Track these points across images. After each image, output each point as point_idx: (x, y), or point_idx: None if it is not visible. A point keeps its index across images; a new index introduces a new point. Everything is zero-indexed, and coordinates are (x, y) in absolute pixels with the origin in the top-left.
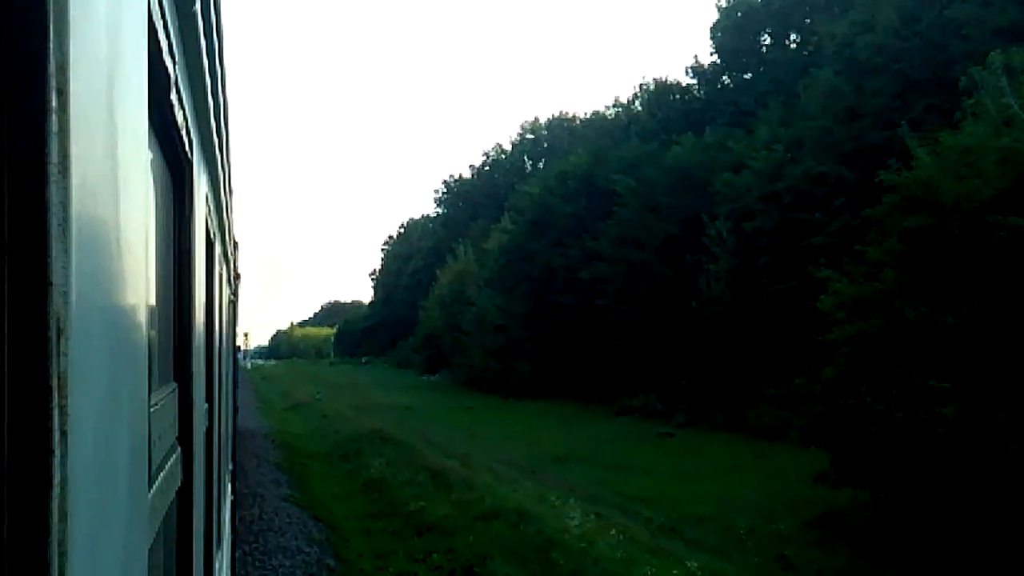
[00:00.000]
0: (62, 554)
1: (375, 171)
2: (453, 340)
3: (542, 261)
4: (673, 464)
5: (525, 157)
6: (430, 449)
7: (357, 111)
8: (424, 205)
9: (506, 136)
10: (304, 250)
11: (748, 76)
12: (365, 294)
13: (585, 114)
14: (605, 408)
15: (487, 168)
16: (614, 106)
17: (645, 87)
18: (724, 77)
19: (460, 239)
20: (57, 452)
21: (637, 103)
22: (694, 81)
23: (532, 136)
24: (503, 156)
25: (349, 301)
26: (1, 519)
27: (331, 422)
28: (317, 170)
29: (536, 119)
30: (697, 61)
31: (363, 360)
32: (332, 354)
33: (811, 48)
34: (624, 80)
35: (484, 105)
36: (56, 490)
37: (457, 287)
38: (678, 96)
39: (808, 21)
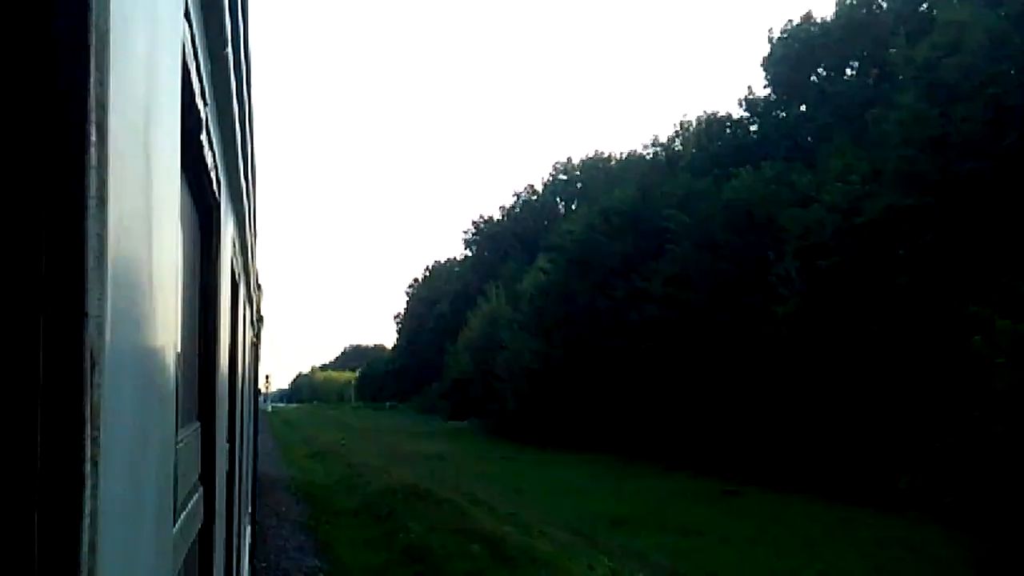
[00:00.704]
0: None
1: (397, 214)
2: (484, 385)
3: (584, 302)
4: (750, 530)
5: (557, 198)
6: (474, 509)
7: (381, 152)
8: (449, 248)
9: (537, 177)
10: (326, 293)
11: (805, 108)
12: (387, 338)
13: (621, 154)
14: (654, 462)
15: (517, 209)
16: (653, 145)
17: (687, 125)
18: (779, 111)
19: (490, 281)
20: (89, 483)
21: (678, 142)
22: (746, 114)
23: (565, 177)
24: (534, 197)
25: (371, 345)
26: (32, 549)
27: (358, 472)
28: (340, 212)
29: (569, 159)
30: (751, 92)
31: (387, 405)
32: (353, 398)
33: (876, 76)
34: (661, 119)
35: (513, 145)
36: (87, 521)
37: (488, 330)
38: (729, 130)
39: (866, 53)
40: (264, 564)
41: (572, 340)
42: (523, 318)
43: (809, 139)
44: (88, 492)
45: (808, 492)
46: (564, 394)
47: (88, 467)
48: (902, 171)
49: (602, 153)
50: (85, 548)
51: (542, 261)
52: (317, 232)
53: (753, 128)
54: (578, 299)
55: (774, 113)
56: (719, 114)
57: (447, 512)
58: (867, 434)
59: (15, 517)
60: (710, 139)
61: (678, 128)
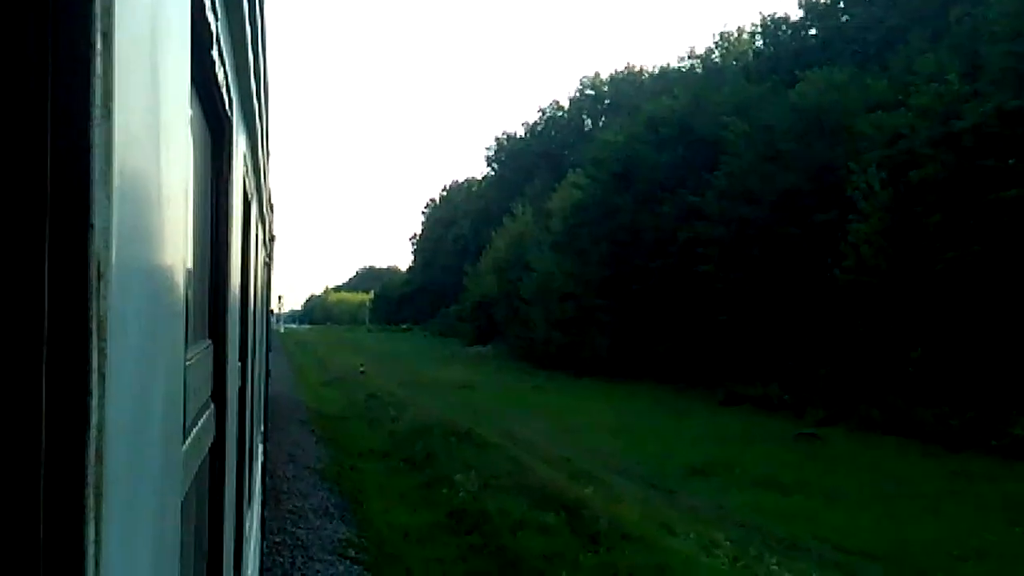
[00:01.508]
0: (97, 496)
1: (414, 132)
2: (509, 309)
3: (626, 220)
4: (851, 484)
5: (584, 115)
6: (525, 456)
7: (398, 68)
8: (468, 168)
9: (562, 93)
10: (340, 214)
11: (875, 9)
12: (402, 260)
13: (655, 67)
14: (706, 395)
15: (541, 126)
16: (690, 57)
17: (727, 35)
18: (841, 14)
19: (516, 199)
20: (95, 393)
21: (717, 53)
22: (804, 16)
23: (592, 92)
24: (560, 114)
25: (385, 267)
26: (39, 456)
27: (382, 404)
28: (353, 132)
29: (596, 74)
30: None
31: (403, 327)
32: (368, 320)
33: None
34: (693, 32)
35: (536, 60)
36: (93, 431)
37: (515, 251)
38: (788, 33)
39: None
40: (277, 537)
41: (611, 260)
42: (555, 237)
43: (879, 43)
44: (95, 402)
45: (896, 434)
46: (600, 318)
47: (95, 377)
48: (1010, 68)
49: (633, 67)
50: (91, 457)
51: (577, 176)
52: (331, 151)
53: (812, 32)
54: (619, 216)
55: (836, 16)
56: (776, 15)
57: (496, 459)
58: (968, 370)
59: (21, 423)
60: (766, 43)
61: (717, 39)
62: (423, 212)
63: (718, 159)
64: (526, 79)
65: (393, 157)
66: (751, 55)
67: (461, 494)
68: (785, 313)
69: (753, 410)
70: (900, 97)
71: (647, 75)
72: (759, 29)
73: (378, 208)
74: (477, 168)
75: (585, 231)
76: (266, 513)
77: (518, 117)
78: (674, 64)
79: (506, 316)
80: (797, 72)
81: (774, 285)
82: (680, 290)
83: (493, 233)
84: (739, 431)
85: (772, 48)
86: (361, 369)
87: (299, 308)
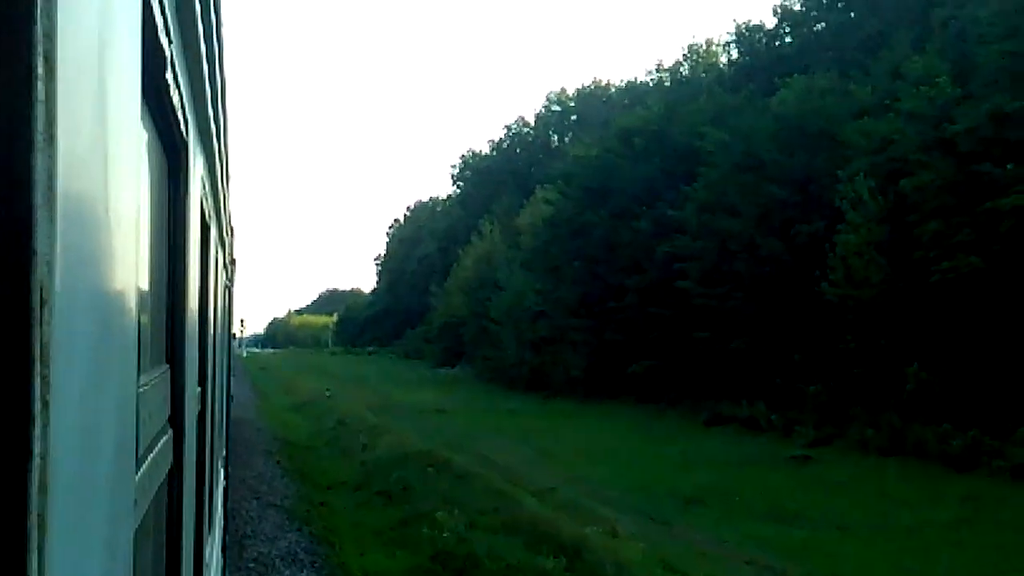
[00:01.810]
0: (41, 526)
1: (375, 153)
2: (478, 329)
3: (600, 235)
4: (857, 511)
5: (551, 131)
6: (509, 486)
7: (358, 87)
8: (432, 187)
9: (527, 109)
10: (301, 236)
11: (853, 15)
12: (365, 282)
13: (622, 81)
14: (689, 416)
15: (508, 143)
16: (658, 70)
17: (696, 48)
18: (816, 22)
19: (483, 218)
20: (38, 422)
21: (686, 66)
22: (778, 23)
23: (559, 108)
24: (527, 130)
25: (348, 289)
26: None
27: (351, 431)
28: (314, 154)
29: (563, 89)
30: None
31: (368, 350)
32: (331, 343)
33: None
34: (658, 46)
35: (499, 78)
36: (36, 460)
37: (484, 270)
38: (764, 40)
39: None
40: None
41: (585, 278)
42: (525, 256)
43: (858, 49)
44: (38, 431)
45: (893, 455)
46: (574, 338)
47: (38, 406)
48: (1005, 68)
49: (600, 81)
50: (35, 487)
51: (547, 192)
52: (292, 173)
53: (788, 40)
54: (592, 232)
55: (811, 23)
56: (751, 23)
57: (479, 492)
58: (968, 386)
59: None
60: (741, 52)
61: (686, 52)
62: (387, 232)
63: (696, 171)
64: (490, 96)
65: (355, 178)
66: (726, 64)
67: (445, 534)
68: (770, 329)
69: (739, 431)
70: (888, 102)
71: (615, 89)
72: (733, 37)
73: (340, 230)
74: (442, 187)
75: (557, 248)
76: (227, 540)
77: (483, 135)
78: (642, 78)
79: (475, 337)
80: (776, 80)
81: (758, 300)
82: (658, 307)
83: (460, 252)
84: (727, 454)
85: (748, 57)
86: (328, 393)
87: (262, 332)
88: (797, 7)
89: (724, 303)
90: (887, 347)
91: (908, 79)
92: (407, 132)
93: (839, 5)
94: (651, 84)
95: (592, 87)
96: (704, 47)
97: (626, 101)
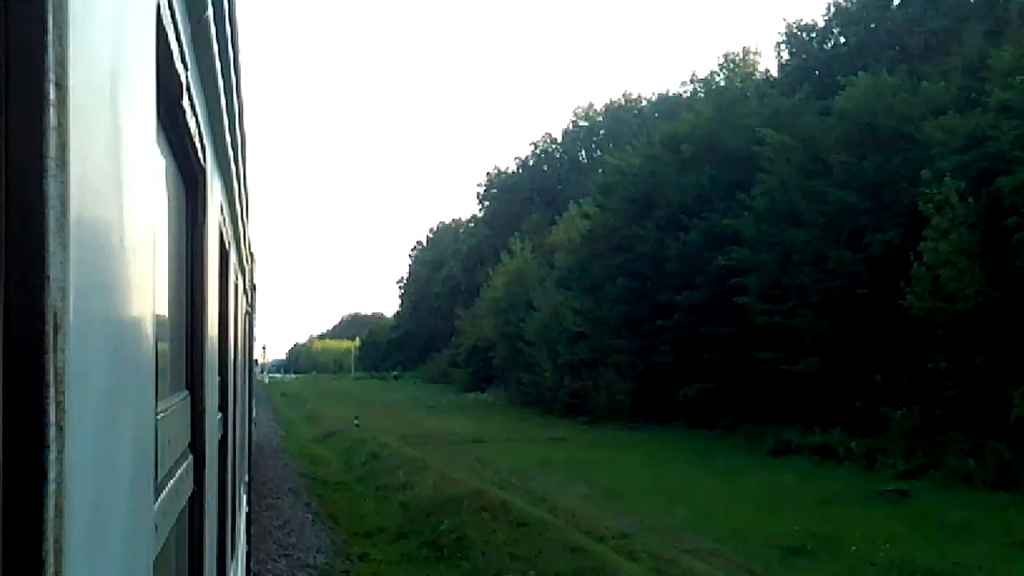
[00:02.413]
0: (58, 551)
1: (394, 175)
2: (510, 352)
3: (646, 250)
4: (1008, 563)
5: (579, 147)
6: (574, 531)
7: (378, 112)
8: (454, 208)
9: (553, 126)
10: (322, 261)
11: (910, 10)
12: (387, 306)
13: (653, 94)
14: (750, 444)
15: (534, 161)
16: (691, 81)
17: (731, 56)
18: (869, 22)
19: (513, 236)
20: (53, 447)
21: (721, 75)
22: (828, 23)
23: (586, 123)
24: (554, 147)
25: (370, 313)
26: None
27: (387, 466)
28: (334, 178)
29: (591, 104)
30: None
31: (393, 375)
32: (353, 368)
33: None
34: (689, 57)
35: (520, 95)
36: (52, 485)
37: (516, 289)
38: (817, 40)
39: None
40: None
41: (629, 295)
42: (560, 274)
43: (920, 45)
44: (52, 456)
45: (1003, 489)
46: (617, 361)
47: (52, 431)
48: None
49: (630, 94)
50: (50, 511)
51: (584, 206)
52: (312, 198)
53: (843, 40)
54: (637, 246)
55: (866, 22)
56: (802, 22)
57: (550, 545)
58: None
59: None
60: (793, 53)
61: (722, 60)
62: (410, 255)
63: (751, 178)
64: (513, 114)
65: (374, 201)
66: (777, 66)
67: None
68: (843, 348)
69: (812, 461)
70: (974, 95)
71: (646, 102)
72: (784, 38)
73: (361, 254)
74: (464, 208)
75: (597, 264)
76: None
77: (506, 153)
78: (675, 90)
79: (506, 360)
80: (839, 78)
81: (828, 317)
82: (712, 326)
83: (490, 272)
84: (809, 489)
85: (802, 57)
86: (356, 422)
87: (283, 357)
88: (851, 7)
89: (788, 320)
90: (985, 366)
91: (995, 71)
92: (428, 153)
93: (894, 4)
94: (685, 96)
95: (622, 101)
96: (741, 56)
97: (657, 114)
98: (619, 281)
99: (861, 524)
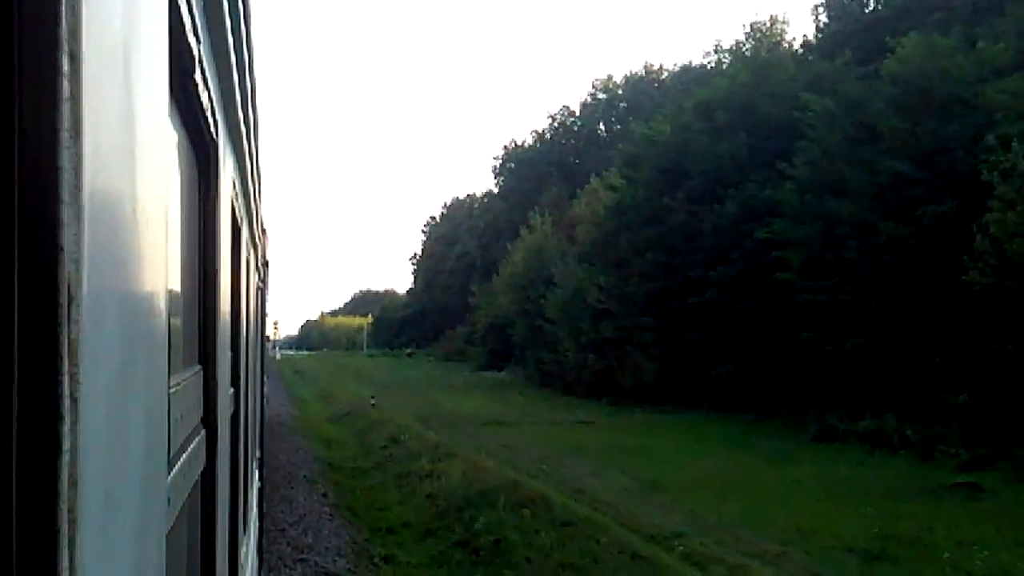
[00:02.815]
0: (72, 521)
1: (407, 150)
2: (530, 330)
3: (677, 222)
4: None
5: (598, 120)
6: (620, 527)
7: (391, 87)
8: (467, 184)
9: (571, 99)
10: (334, 238)
11: None
12: (399, 282)
13: (675, 65)
14: (790, 429)
15: (551, 134)
16: (716, 51)
17: (758, 25)
18: None
19: (532, 210)
20: (67, 419)
21: (748, 43)
22: None
23: (605, 96)
24: (571, 120)
25: (382, 290)
26: (10, 482)
27: (407, 450)
28: (345, 154)
29: (609, 76)
30: None
31: (406, 352)
32: (365, 345)
33: None
34: (710, 27)
35: (532, 69)
36: (66, 456)
37: (535, 265)
38: (857, 4)
39: None
40: None
41: (658, 271)
42: (583, 248)
43: (965, 8)
44: (67, 428)
45: None
46: (644, 339)
47: (67, 403)
48: None
49: (652, 66)
50: (64, 482)
51: (609, 177)
52: (323, 174)
53: (883, 2)
54: (668, 219)
55: None
56: None
57: (604, 549)
58: None
59: None
60: (832, 17)
61: (748, 29)
62: (423, 231)
63: (791, 146)
64: (526, 88)
65: (386, 177)
66: (814, 30)
67: None
68: (894, 328)
69: (863, 449)
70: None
71: (667, 73)
72: (822, 1)
73: (373, 230)
74: (478, 184)
75: (624, 238)
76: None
77: (522, 127)
78: (697, 61)
79: (525, 338)
80: (890, 40)
81: (876, 293)
82: (747, 302)
83: (509, 246)
84: (867, 481)
85: (842, 20)
86: (372, 402)
87: (295, 333)
88: None
89: (834, 297)
90: None
91: None
92: (441, 128)
93: None
94: (710, 66)
95: (643, 72)
96: (768, 24)
97: (680, 86)
98: (648, 256)
99: (939, 523)
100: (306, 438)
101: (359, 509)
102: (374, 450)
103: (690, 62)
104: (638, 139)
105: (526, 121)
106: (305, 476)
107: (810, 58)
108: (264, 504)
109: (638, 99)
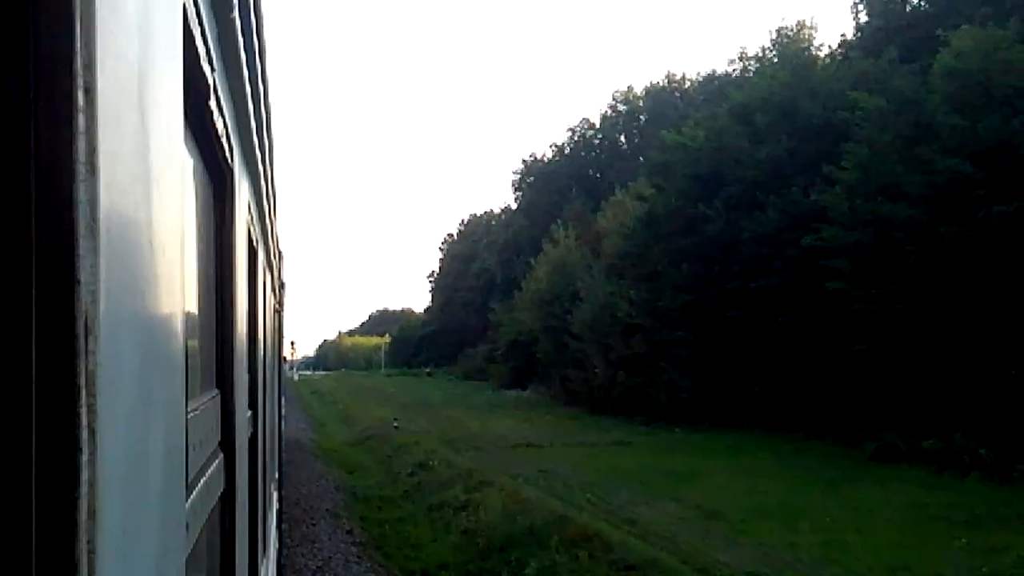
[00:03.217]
0: (91, 552)
1: (421, 169)
2: (555, 346)
3: (714, 231)
4: None
5: (618, 133)
6: (683, 567)
7: (404, 105)
8: (484, 201)
9: (590, 111)
10: (350, 258)
11: None
12: (416, 301)
13: (698, 75)
14: (845, 450)
15: (571, 148)
16: (740, 59)
17: (784, 31)
18: None
19: (555, 224)
20: (85, 450)
21: (774, 51)
22: None
23: (625, 107)
24: (591, 132)
25: (399, 309)
26: (29, 515)
27: (438, 479)
28: (359, 174)
29: (630, 88)
30: None
31: (426, 371)
32: (383, 364)
33: None
34: (729, 37)
35: (547, 84)
36: (84, 487)
37: (560, 280)
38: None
39: None
40: None
41: (693, 283)
42: (612, 261)
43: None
44: (85, 459)
45: None
46: (679, 355)
47: (85, 434)
48: None
49: (674, 75)
50: (83, 514)
51: (638, 187)
52: (338, 195)
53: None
54: (702, 228)
55: None
56: None
57: None
58: None
59: (12, 481)
60: (872, 15)
61: (774, 36)
62: (440, 248)
63: (836, 148)
64: (540, 103)
65: (401, 195)
66: (854, 28)
67: None
68: (958, 339)
69: (928, 470)
70: None
71: (690, 83)
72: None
73: (389, 249)
74: (496, 200)
75: (657, 250)
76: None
77: (538, 142)
78: (721, 69)
79: (550, 355)
80: (942, 32)
81: (937, 302)
82: (791, 314)
83: (533, 261)
84: (947, 508)
85: (882, 18)
86: (395, 423)
87: (312, 354)
88: None
89: (889, 306)
90: None
91: None
92: (456, 145)
93: None
94: (734, 74)
95: (666, 82)
96: (795, 30)
97: (702, 97)
98: (683, 267)
99: None
100: (327, 464)
101: (389, 547)
102: (401, 477)
103: (713, 71)
104: (669, 146)
105: (544, 135)
106: (328, 510)
107: (851, 55)
108: (283, 529)
109: (660, 109)
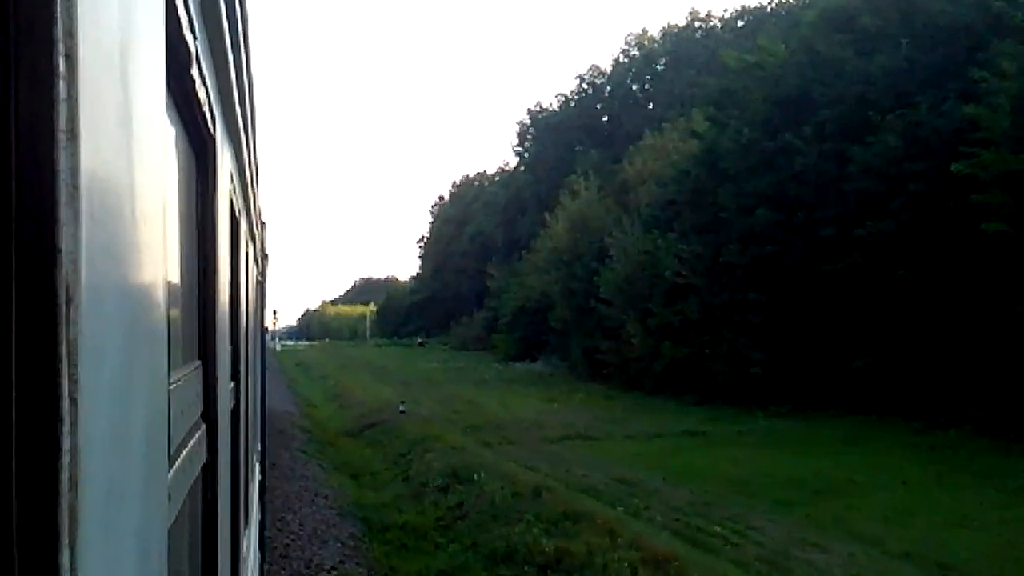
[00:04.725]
0: (73, 520)
1: (405, 134)
2: (576, 312)
3: (803, 167)
4: None
5: (630, 81)
6: None
7: (389, 62)
8: (476, 163)
9: (598, 58)
10: (332, 226)
11: None
12: (401, 269)
13: (726, 12)
14: (988, 439)
15: (577, 98)
16: None
17: None
18: None
19: (574, 174)
20: (67, 420)
21: None
22: None
23: (638, 52)
24: (602, 81)
25: (384, 277)
26: (10, 485)
27: (492, 502)
28: (342, 138)
29: (644, 31)
30: None
31: (418, 341)
32: (368, 334)
33: None
34: None
35: (543, 35)
36: (66, 458)
37: (582, 237)
38: None
39: None
40: None
41: (772, 233)
42: (653, 211)
43: None
44: (67, 428)
45: None
46: (750, 321)
47: (66, 404)
48: None
49: (698, 13)
50: (64, 484)
51: (695, 119)
52: (320, 162)
53: None
54: (785, 164)
55: None
56: None
57: None
58: None
59: None
60: None
61: None
62: (430, 211)
63: (974, 55)
64: (536, 54)
65: (384, 161)
66: None
67: None
68: None
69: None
70: None
71: (718, 21)
72: None
73: (373, 217)
74: (487, 161)
75: (718, 195)
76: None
77: (531, 98)
78: (753, 3)
79: (569, 323)
80: None
81: None
82: (916, 267)
83: (548, 216)
84: None
85: None
86: (402, 408)
87: (294, 324)
88: None
89: (995, 271)
90: None
91: None
92: (443, 105)
93: None
94: (771, 7)
95: (690, 21)
96: None
97: (733, 35)
98: (759, 213)
99: None
100: (322, 465)
101: None
102: (427, 492)
103: (743, 6)
104: (733, 70)
105: (542, 88)
106: (336, 538)
107: None
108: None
109: (685, 51)
